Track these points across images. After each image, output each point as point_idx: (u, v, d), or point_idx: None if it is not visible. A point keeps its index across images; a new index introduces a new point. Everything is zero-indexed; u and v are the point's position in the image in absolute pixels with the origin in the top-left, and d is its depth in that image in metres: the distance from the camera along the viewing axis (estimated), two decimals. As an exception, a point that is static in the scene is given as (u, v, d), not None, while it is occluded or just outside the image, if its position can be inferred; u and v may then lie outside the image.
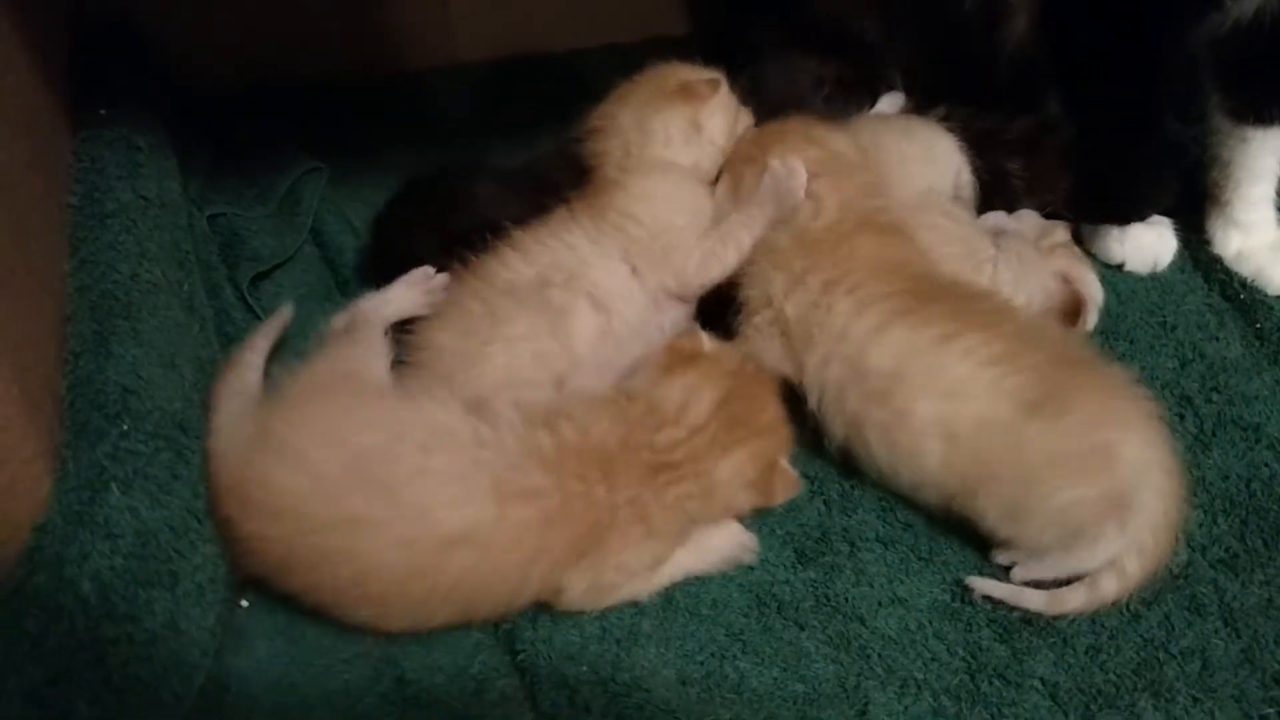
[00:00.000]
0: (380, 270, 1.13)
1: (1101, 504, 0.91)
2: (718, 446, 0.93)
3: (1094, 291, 1.12)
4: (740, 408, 0.95)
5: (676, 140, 1.10)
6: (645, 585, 0.94)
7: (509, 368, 0.99)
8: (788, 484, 0.97)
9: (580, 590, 0.90)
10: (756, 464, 0.94)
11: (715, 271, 1.06)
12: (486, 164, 1.19)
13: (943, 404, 0.94)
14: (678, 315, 1.07)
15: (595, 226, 1.06)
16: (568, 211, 1.08)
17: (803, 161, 1.05)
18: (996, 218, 1.19)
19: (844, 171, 1.08)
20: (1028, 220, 1.19)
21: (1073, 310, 1.12)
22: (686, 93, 1.10)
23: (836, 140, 1.11)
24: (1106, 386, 0.96)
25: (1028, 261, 1.12)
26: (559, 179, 1.12)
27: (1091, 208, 1.21)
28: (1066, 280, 1.12)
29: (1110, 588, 0.92)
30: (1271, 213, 1.24)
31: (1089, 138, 1.18)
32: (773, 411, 0.98)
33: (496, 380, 0.98)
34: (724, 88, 1.11)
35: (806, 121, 1.11)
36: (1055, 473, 0.91)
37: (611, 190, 1.08)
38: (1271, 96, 1.14)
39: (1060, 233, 1.18)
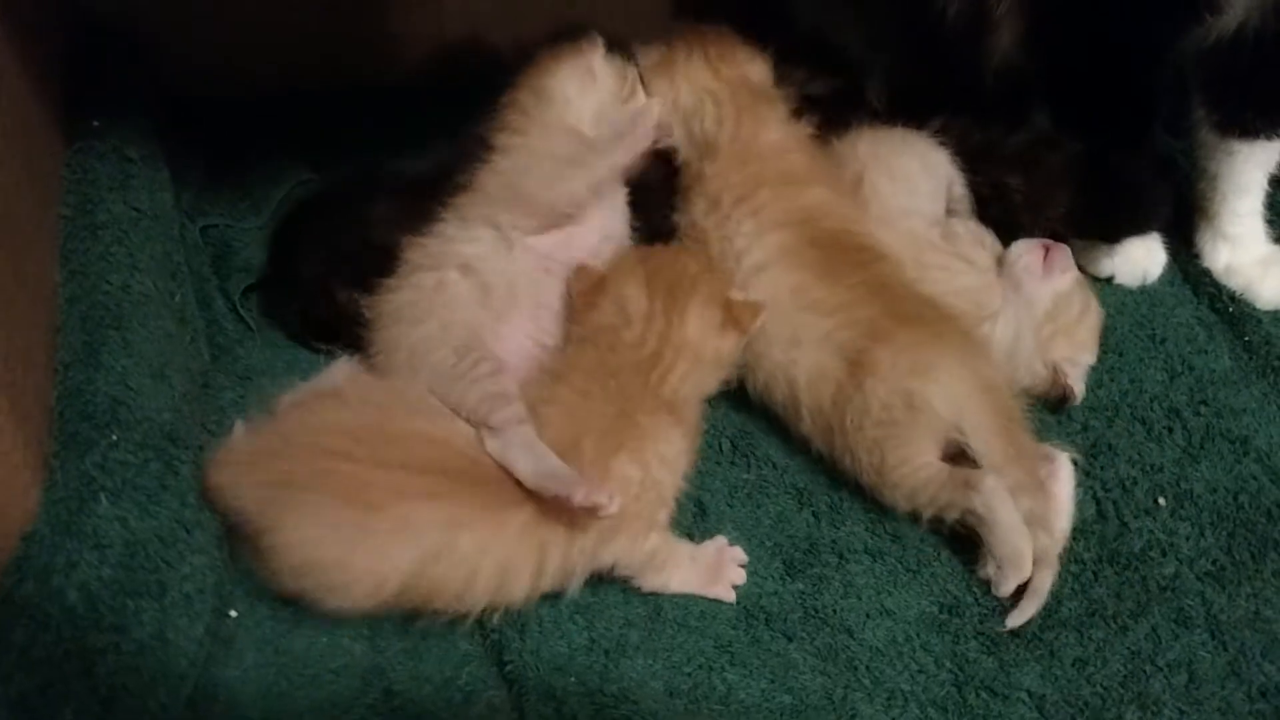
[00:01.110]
0: (273, 293, 1.15)
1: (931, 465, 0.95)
2: (673, 315, 0.97)
3: (1080, 389, 1.09)
4: (666, 276, 1.00)
5: (573, 97, 1.09)
6: (668, 555, 0.95)
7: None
8: (752, 309, 1.00)
9: (636, 482, 0.91)
10: (713, 308, 0.99)
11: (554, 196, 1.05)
12: (389, 173, 1.16)
13: (784, 353, 1.00)
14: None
15: (467, 203, 1.06)
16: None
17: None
18: (1026, 260, 1.12)
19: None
20: (1049, 286, 1.11)
21: (1056, 397, 1.09)
22: (573, 49, 1.10)
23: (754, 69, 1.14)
24: (916, 339, 0.98)
25: (1024, 339, 1.08)
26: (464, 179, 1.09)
27: (1086, 225, 1.20)
28: (1056, 373, 1.08)
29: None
30: (1260, 226, 1.24)
31: (1080, 114, 1.18)
32: (691, 263, 1.03)
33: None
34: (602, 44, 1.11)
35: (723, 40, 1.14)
36: (878, 433, 0.95)
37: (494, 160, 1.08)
38: (1255, 110, 1.15)
39: (1075, 307, 1.11)
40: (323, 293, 1.09)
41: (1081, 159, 1.18)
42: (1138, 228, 1.22)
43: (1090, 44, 1.10)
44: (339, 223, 1.12)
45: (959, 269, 1.10)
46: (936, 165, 1.18)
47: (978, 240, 1.14)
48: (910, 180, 1.16)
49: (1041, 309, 1.10)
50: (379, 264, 1.04)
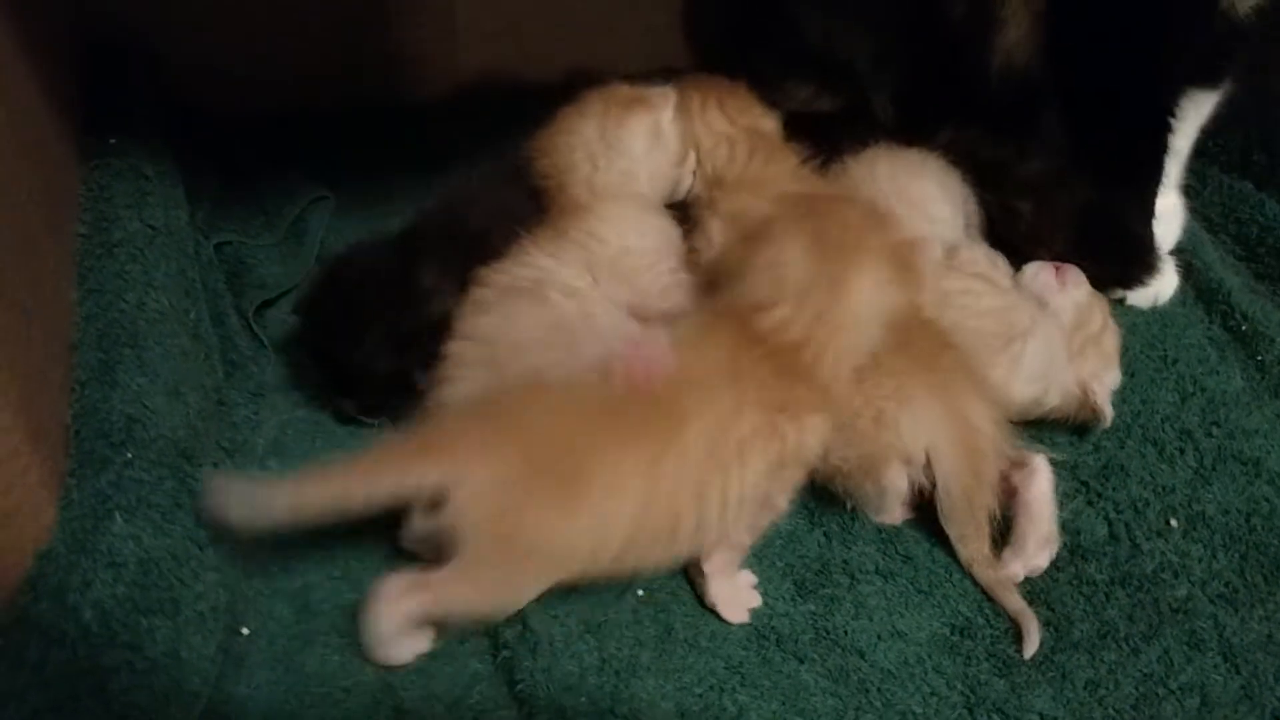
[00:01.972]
0: (321, 368, 1.11)
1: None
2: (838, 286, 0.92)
3: (1109, 410, 1.08)
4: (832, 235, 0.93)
5: (640, 150, 1.11)
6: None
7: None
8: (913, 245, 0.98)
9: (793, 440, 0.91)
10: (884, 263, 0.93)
11: (679, 297, 1.06)
12: (420, 229, 1.13)
13: None
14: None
15: (555, 244, 1.07)
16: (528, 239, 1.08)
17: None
18: (1041, 277, 1.14)
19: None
20: (1069, 298, 1.13)
21: (1085, 419, 1.09)
22: (644, 103, 1.12)
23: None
24: (904, 367, 0.97)
25: (1058, 357, 1.08)
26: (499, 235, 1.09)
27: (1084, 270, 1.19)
28: (1085, 391, 1.07)
29: None
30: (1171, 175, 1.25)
31: (1091, 153, 1.19)
32: (859, 211, 0.97)
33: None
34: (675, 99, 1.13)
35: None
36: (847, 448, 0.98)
37: (577, 213, 1.09)
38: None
39: (1097, 318, 1.12)
40: (396, 379, 1.06)
41: (1087, 205, 1.18)
42: (1132, 283, 1.22)
43: (1112, 43, 1.11)
44: (390, 300, 1.07)
45: (980, 291, 1.10)
46: (953, 188, 1.18)
47: (993, 261, 1.14)
48: (928, 205, 1.16)
49: (1068, 319, 1.10)
50: (439, 335, 1.03)
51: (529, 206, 1.12)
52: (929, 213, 1.15)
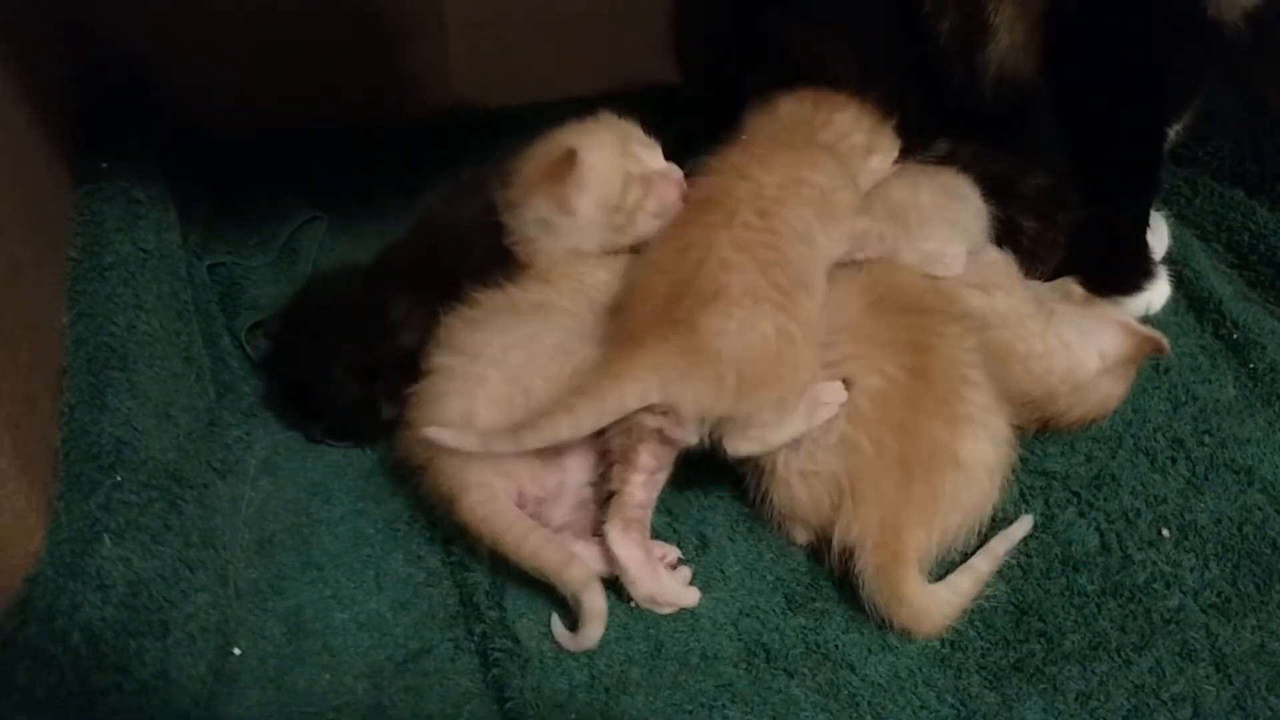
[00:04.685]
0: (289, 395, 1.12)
1: None
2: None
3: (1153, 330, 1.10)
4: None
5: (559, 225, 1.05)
6: None
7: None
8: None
9: None
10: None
11: None
12: (387, 259, 1.14)
13: None
14: None
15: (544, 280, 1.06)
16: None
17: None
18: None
19: None
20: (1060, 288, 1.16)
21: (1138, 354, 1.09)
22: (551, 175, 1.03)
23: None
24: None
25: (1084, 319, 1.09)
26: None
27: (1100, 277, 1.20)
28: (1128, 330, 1.08)
29: None
30: None
31: (1086, 161, 1.19)
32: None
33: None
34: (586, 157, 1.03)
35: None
36: None
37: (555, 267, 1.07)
38: None
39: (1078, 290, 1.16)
40: (364, 410, 1.07)
41: (1084, 216, 1.18)
42: (1130, 290, 1.22)
43: (1098, 52, 1.12)
44: (358, 330, 1.08)
45: (1010, 286, 1.11)
46: (978, 204, 1.16)
47: (1007, 261, 1.14)
48: (967, 222, 1.15)
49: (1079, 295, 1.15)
50: (411, 367, 1.02)
51: (496, 234, 1.09)
52: (968, 229, 1.14)
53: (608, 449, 0.97)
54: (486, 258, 1.07)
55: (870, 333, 1.00)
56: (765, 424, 0.94)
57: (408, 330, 1.06)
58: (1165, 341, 1.08)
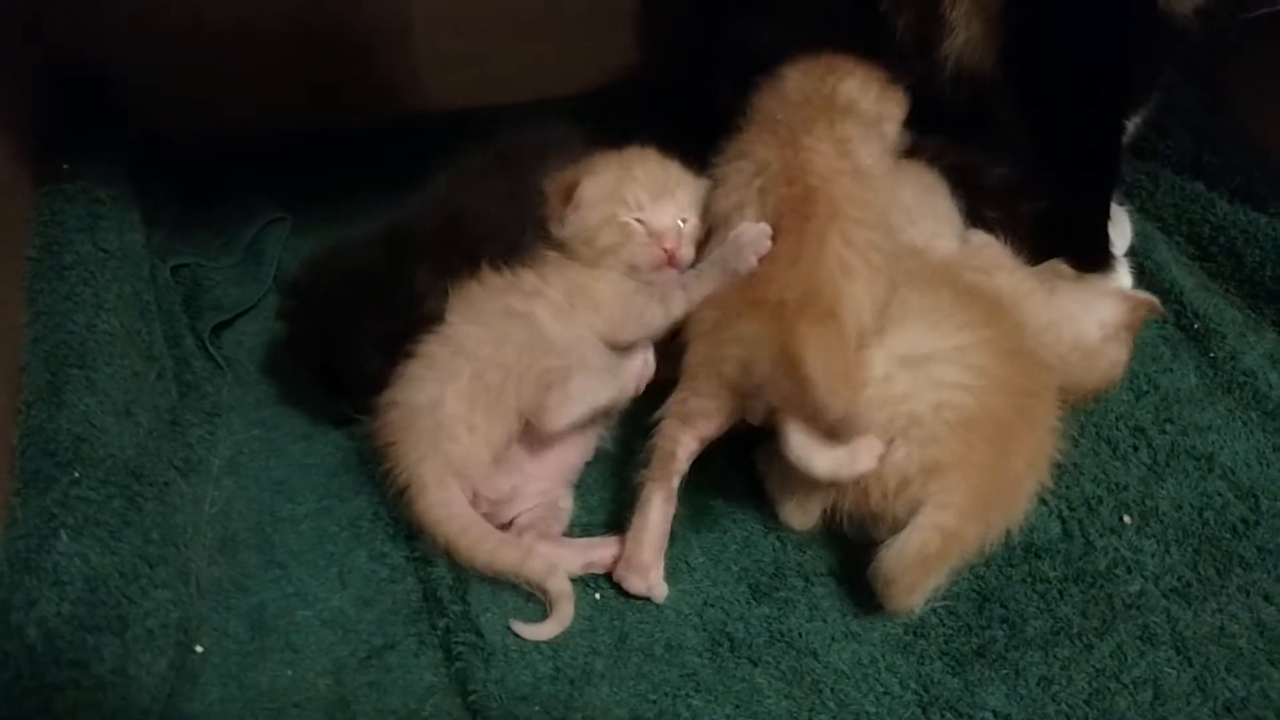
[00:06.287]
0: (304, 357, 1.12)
1: None
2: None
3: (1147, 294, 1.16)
4: None
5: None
6: None
7: None
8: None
9: None
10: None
11: (642, 331, 1.06)
12: (404, 227, 1.13)
13: None
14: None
15: (538, 274, 1.08)
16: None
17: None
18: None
19: None
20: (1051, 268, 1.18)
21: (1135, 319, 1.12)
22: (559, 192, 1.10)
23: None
24: None
25: (1081, 292, 1.13)
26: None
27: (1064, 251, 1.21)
28: (1124, 298, 1.13)
29: None
30: None
31: (1047, 153, 1.20)
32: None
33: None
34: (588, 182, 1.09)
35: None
36: None
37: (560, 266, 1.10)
38: None
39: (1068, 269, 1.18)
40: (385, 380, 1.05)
41: (1047, 208, 1.20)
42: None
43: (1055, 45, 1.14)
44: (384, 295, 1.07)
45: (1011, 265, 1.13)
46: (946, 194, 1.19)
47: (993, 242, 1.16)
48: (947, 215, 1.17)
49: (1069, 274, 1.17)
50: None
51: (520, 206, 1.12)
52: (950, 218, 1.17)
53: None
54: (505, 239, 1.09)
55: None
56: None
57: (431, 299, 1.06)
58: (1158, 303, 1.13)
